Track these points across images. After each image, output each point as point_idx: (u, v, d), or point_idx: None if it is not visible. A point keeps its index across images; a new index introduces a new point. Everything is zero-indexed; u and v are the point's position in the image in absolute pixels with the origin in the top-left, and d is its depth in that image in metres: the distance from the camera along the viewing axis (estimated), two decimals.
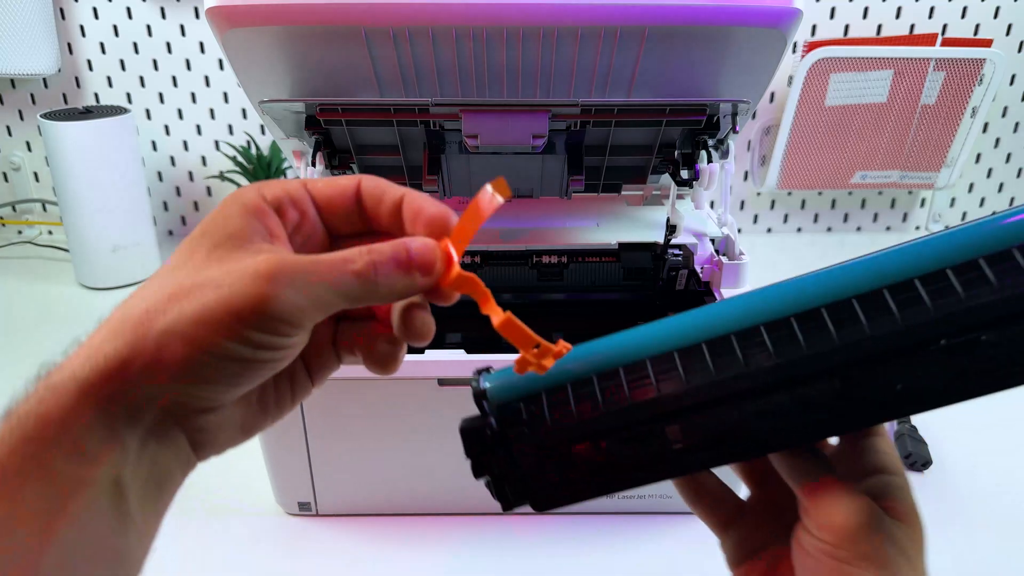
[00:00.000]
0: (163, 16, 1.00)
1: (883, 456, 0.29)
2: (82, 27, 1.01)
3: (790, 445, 0.26)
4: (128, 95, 1.05)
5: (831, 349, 0.24)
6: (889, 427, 0.67)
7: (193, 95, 1.05)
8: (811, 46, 0.94)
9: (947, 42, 1.00)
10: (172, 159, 1.09)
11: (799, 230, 1.16)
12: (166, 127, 1.07)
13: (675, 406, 0.25)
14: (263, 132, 1.06)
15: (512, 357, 0.25)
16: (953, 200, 1.15)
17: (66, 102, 1.05)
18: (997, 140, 1.11)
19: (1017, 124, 1.10)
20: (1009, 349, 0.23)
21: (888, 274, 0.24)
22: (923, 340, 0.23)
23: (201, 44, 1.02)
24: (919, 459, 0.60)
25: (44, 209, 1.11)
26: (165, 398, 0.22)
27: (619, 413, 0.26)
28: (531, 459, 0.27)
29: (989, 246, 0.23)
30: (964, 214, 1.16)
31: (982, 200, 1.15)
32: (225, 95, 1.05)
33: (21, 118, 1.06)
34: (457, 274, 0.24)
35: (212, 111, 1.06)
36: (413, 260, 0.23)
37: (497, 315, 0.24)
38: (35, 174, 1.10)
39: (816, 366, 0.24)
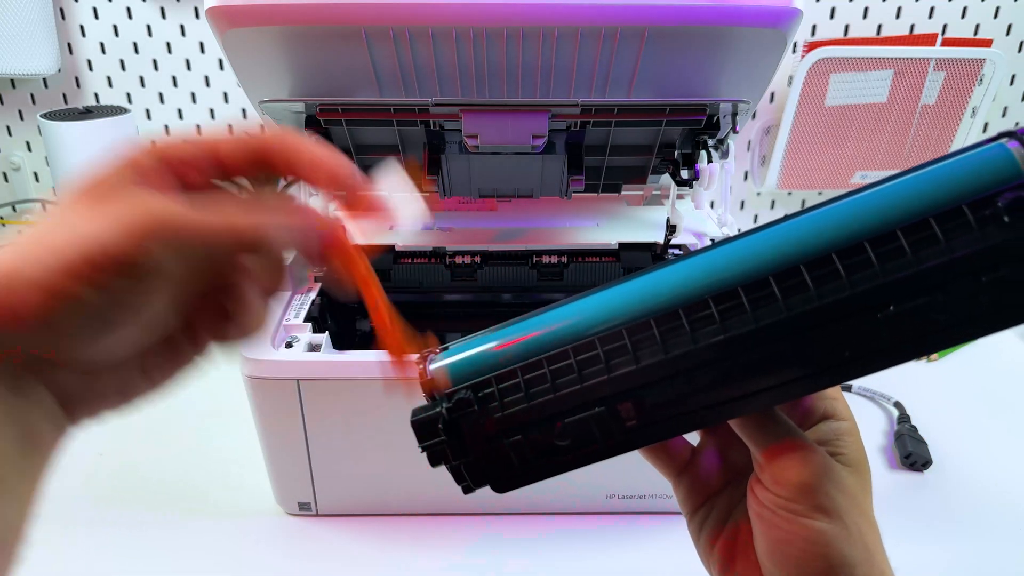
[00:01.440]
0: (163, 16, 1.00)
1: (831, 402, 0.29)
2: (82, 27, 1.01)
3: (745, 413, 0.26)
4: (128, 95, 1.05)
5: (781, 319, 0.23)
6: (889, 427, 0.67)
7: (193, 95, 1.05)
8: (811, 46, 0.94)
9: (947, 42, 1.00)
10: None
11: None
12: (166, 127, 1.07)
13: (626, 386, 0.25)
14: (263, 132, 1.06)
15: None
16: None
17: (66, 102, 1.05)
18: None
19: (1017, 124, 1.10)
20: (957, 308, 0.22)
21: (837, 236, 0.23)
22: (873, 305, 0.23)
23: (201, 44, 1.02)
24: (919, 459, 0.60)
25: (44, 209, 1.11)
26: (18, 349, 0.21)
27: (570, 396, 0.26)
28: (485, 444, 0.27)
29: (940, 204, 0.22)
30: None
31: None
32: (225, 95, 1.05)
33: (21, 118, 1.06)
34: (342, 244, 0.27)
35: (212, 111, 1.06)
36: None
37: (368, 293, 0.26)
38: (35, 174, 1.10)
39: (766, 337, 0.24)
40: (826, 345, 0.23)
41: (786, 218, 0.25)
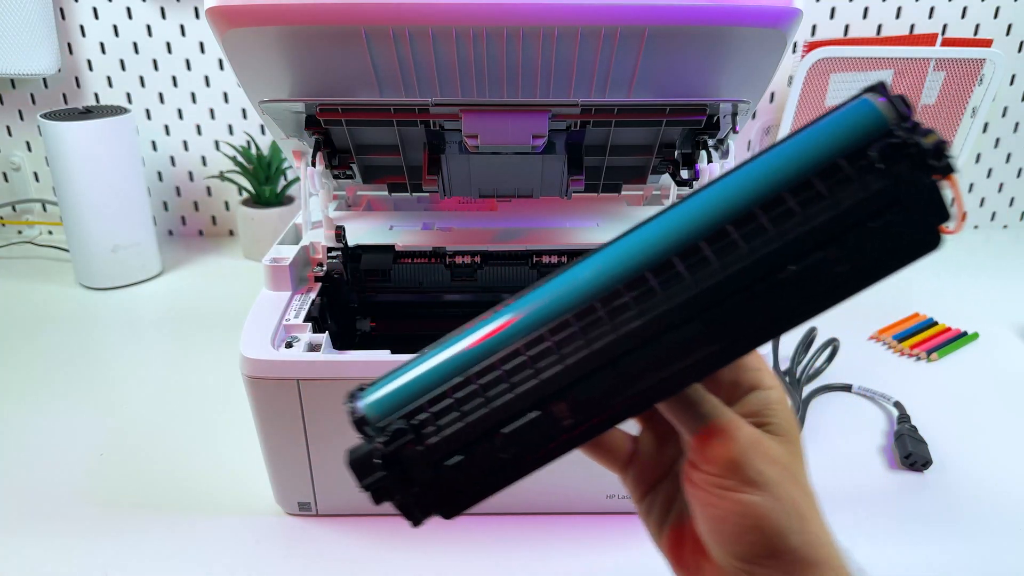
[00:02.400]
0: (163, 16, 1.00)
1: (755, 373, 0.30)
2: (82, 27, 1.01)
3: (675, 392, 0.26)
4: (128, 95, 1.05)
5: (692, 296, 0.24)
6: (889, 427, 0.67)
7: (193, 95, 1.05)
8: (811, 46, 0.94)
9: (947, 42, 1.00)
10: (172, 159, 1.09)
11: None
12: (166, 127, 1.07)
13: (556, 386, 0.25)
14: (263, 132, 1.06)
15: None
16: (953, 200, 1.15)
17: (66, 102, 1.05)
18: (997, 140, 1.10)
19: (1017, 124, 1.10)
20: (853, 257, 0.23)
21: (730, 208, 0.24)
22: (775, 267, 0.24)
23: (201, 44, 1.02)
24: (919, 459, 0.60)
25: (44, 209, 1.11)
26: None
27: (503, 406, 0.25)
28: (427, 471, 0.26)
29: (819, 162, 0.24)
30: (964, 214, 1.16)
31: (982, 200, 1.15)
32: (225, 95, 1.05)
33: (21, 118, 1.06)
34: None
35: (212, 111, 1.06)
36: None
37: None
38: (35, 174, 1.10)
39: (681, 314, 0.24)
40: (738, 313, 0.24)
41: (680, 201, 0.26)
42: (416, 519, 0.27)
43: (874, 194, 0.23)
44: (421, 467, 0.26)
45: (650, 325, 0.24)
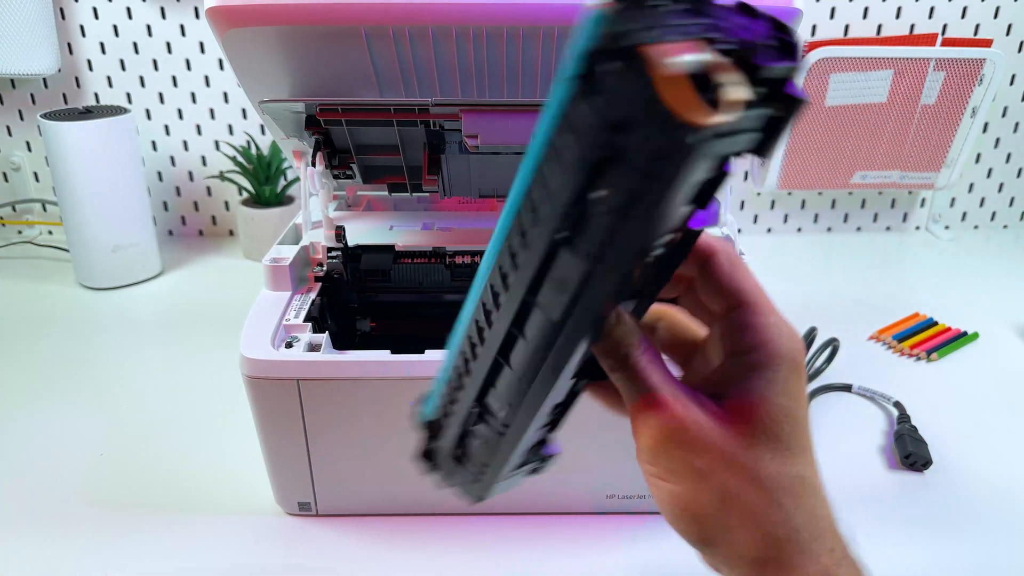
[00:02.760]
0: (163, 16, 1.00)
1: (747, 332, 0.25)
2: (82, 27, 1.01)
3: (558, 373, 0.24)
4: (128, 95, 1.05)
5: (521, 288, 0.22)
6: (889, 427, 0.67)
7: (193, 95, 1.05)
8: (811, 46, 0.94)
9: (947, 42, 1.00)
10: (172, 159, 1.09)
11: (799, 230, 1.16)
12: (166, 127, 1.07)
13: (481, 385, 0.27)
14: (263, 132, 1.06)
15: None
16: (953, 200, 1.15)
17: (66, 102, 1.05)
18: (997, 140, 1.11)
19: (1017, 124, 1.10)
20: (613, 202, 0.18)
21: (517, 196, 0.21)
22: (559, 234, 0.20)
23: (201, 44, 1.02)
24: (919, 459, 0.60)
25: (44, 209, 1.11)
26: None
27: (461, 406, 0.29)
28: (447, 462, 0.31)
29: (555, 112, 0.19)
30: (964, 214, 1.16)
31: (982, 200, 1.15)
32: (225, 95, 1.05)
33: (21, 118, 1.06)
34: None
35: (212, 111, 1.06)
36: None
37: None
38: (35, 174, 1.10)
39: (517, 305, 0.23)
40: (556, 291, 0.21)
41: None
42: (473, 498, 0.33)
43: (589, 125, 0.17)
44: (441, 459, 0.32)
45: (501, 320, 0.24)
